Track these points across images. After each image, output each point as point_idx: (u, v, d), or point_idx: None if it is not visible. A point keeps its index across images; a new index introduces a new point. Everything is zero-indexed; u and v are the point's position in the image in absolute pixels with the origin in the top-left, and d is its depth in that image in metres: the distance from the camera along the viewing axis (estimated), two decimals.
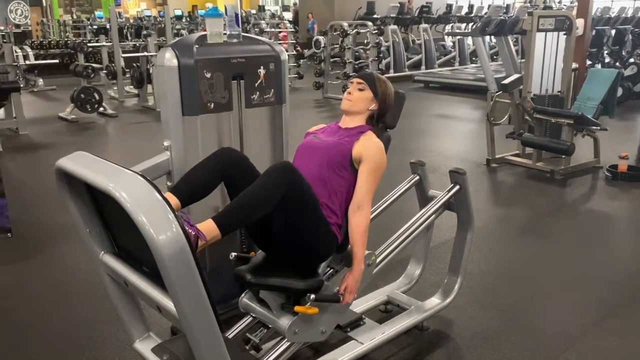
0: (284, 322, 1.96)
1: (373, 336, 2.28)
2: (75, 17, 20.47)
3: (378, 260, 2.19)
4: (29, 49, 9.59)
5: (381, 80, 2.24)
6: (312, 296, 1.91)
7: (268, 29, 12.07)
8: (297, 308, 1.93)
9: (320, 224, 1.96)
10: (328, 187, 2.03)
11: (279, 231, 1.94)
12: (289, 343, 2.01)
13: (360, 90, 2.21)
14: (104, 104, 7.83)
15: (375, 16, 12.38)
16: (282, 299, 2.01)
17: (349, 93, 2.22)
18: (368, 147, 2.07)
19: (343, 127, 2.21)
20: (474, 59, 12.68)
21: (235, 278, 1.98)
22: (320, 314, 1.99)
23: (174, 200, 1.86)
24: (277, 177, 1.81)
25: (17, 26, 16.42)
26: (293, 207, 1.86)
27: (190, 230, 1.64)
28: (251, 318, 2.15)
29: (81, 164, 1.57)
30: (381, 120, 2.25)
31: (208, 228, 1.72)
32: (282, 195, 1.80)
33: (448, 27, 14.04)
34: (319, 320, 2.02)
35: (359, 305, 2.52)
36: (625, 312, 2.75)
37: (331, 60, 9.72)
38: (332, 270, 2.13)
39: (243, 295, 2.11)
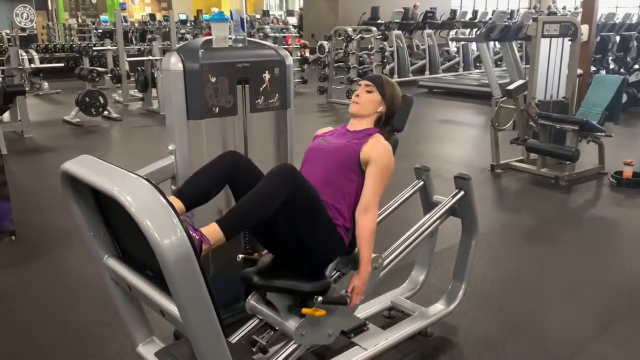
0: (291, 324, 1.97)
1: (377, 342, 2.28)
2: (80, 21, 20.54)
3: (384, 264, 2.18)
4: (34, 53, 9.62)
5: (389, 83, 2.26)
6: (320, 298, 1.91)
7: (272, 34, 12.11)
8: (304, 310, 1.93)
9: (326, 226, 1.97)
10: (336, 189, 2.04)
11: (284, 233, 1.94)
12: (295, 345, 2.01)
13: (369, 92, 2.22)
14: (108, 107, 7.84)
15: (379, 21, 12.39)
16: (289, 301, 2.01)
17: (357, 96, 2.23)
18: (376, 149, 2.08)
19: (351, 130, 2.22)
20: (478, 64, 12.67)
21: (242, 280, 1.99)
22: (327, 317, 2.00)
23: (178, 204, 1.86)
24: (280, 179, 1.82)
25: (23, 30, 16.47)
26: (297, 209, 1.87)
27: (194, 235, 1.64)
28: (258, 320, 2.16)
29: (86, 167, 1.57)
30: (389, 123, 2.26)
31: (212, 232, 1.71)
32: (285, 196, 1.81)
33: (452, 33, 14.02)
34: (325, 322, 2.03)
35: (363, 311, 2.51)
36: (631, 319, 2.74)
37: (335, 65, 9.74)
38: (339, 273, 2.13)
39: (250, 297, 2.11)
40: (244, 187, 1.91)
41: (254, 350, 2.08)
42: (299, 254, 2.00)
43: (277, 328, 2.06)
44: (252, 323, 2.19)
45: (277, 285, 1.96)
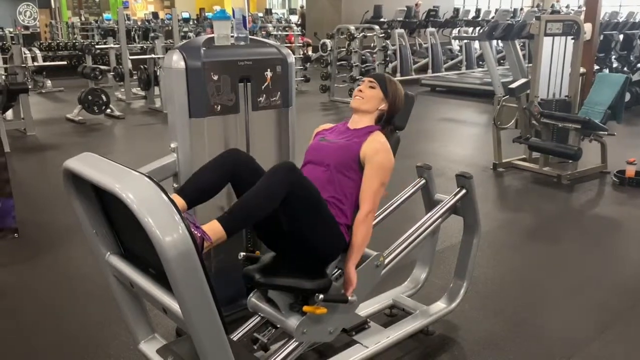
0: (293, 322, 1.96)
1: (378, 340, 2.28)
2: (83, 19, 20.58)
3: (385, 262, 2.18)
4: (37, 51, 9.64)
5: (392, 81, 2.26)
6: (321, 296, 1.90)
7: (275, 32, 12.12)
8: (305, 308, 1.93)
9: (327, 223, 1.97)
10: (337, 188, 2.05)
11: (285, 231, 1.94)
12: (297, 343, 2.02)
13: (372, 87, 2.23)
14: (111, 105, 7.85)
15: (382, 20, 12.38)
16: (290, 299, 2.01)
17: (360, 91, 2.23)
18: (373, 147, 2.08)
19: (352, 128, 2.22)
20: (480, 63, 12.65)
21: (244, 278, 1.99)
22: (328, 315, 1.99)
23: (180, 201, 1.86)
24: (280, 176, 1.81)
25: (26, 28, 16.51)
26: (297, 206, 1.87)
27: (196, 232, 1.64)
28: (259, 318, 2.17)
29: (88, 165, 1.57)
30: (390, 122, 2.26)
31: (213, 229, 1.71)
32: (286, 194, 1.80)
33: (455, 31, 14.01)
34: (327, 320, 2.02)
35: (364, 309, 2.51)
36: (632, 318, 2.74)
37: (338, 63, 9.73)
38: (339, 271, 2.13)
39: (251, 295, 2.12)
40: (246, 185, 1.91)
41: (255, 347, 2.08)
42: (300, 251, 1.99)
43: (278, 326, 2.06)
44: (253, 321, 2.20)
45: (278, 283, 1.95)
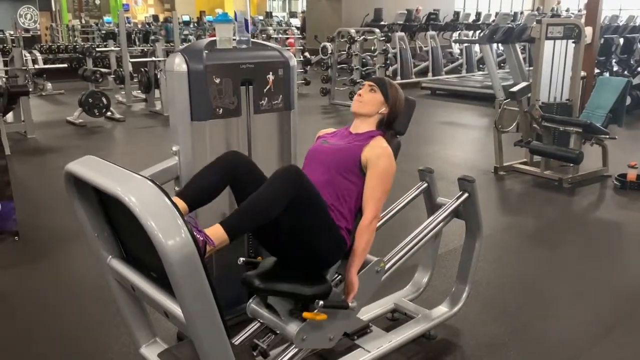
0: (292, 328, 1.94)
1: (380, 344, 2.27)
2: (84, 22, 20.59)
3: (386, 267, 2.17)
4: (38, 54, 9.60)
5: (392, 85, 2.25)
6: (321, 302, 1.88)
7: (275, 35, 12.16)
8: (305, 314, 1.90)
9: (328, 228, 1.96)
10: (337, 191, 2.04)
11: (287, 235, 1.93)
12: (296, 349, 2.00)
13: (372, 91, 2.21)
14: (111, 108, 7.85)
15: (382, 23, 12.40)
16: (290, 305, 1.99)
17: (360, 95, 2.22)
18: (375, 152, 2.07)
19: (353, 132, 2.21)
20: (481, 66, 12.66)
21: (243, 283, 1.97)
22: (328, 321, 1.96)
23: (181, 204, 1.85)
24: (285, 180, 1.80)
25: (27, 30, 16.48)
26: (300, 210, 1.85)
27: (198, 236, 1.63)
28: (259, 324, 2.14)
29: (90, 168, 1.57)
30: (391, 126, 2.25)
31: (216, 233, 1.70)
32: (290, 198, 1.78)
33: (455, 35, 14.04)
34: (327, 326, 2.00)
35: (366, 313, 2.50)
36: (635, 323, 2.73)
37: (338, 66, 9.73)
38: (340, 276, 2.11)
39: (251, 300, 2.10)
40: (245, 187, 1.91)
41: (255, 354, 2.06)
42: (301, 254, 1.98)
43: (278, 332, 2.04)
44: (253, 326, 2.19)
45: (278, 289, 1.93)
